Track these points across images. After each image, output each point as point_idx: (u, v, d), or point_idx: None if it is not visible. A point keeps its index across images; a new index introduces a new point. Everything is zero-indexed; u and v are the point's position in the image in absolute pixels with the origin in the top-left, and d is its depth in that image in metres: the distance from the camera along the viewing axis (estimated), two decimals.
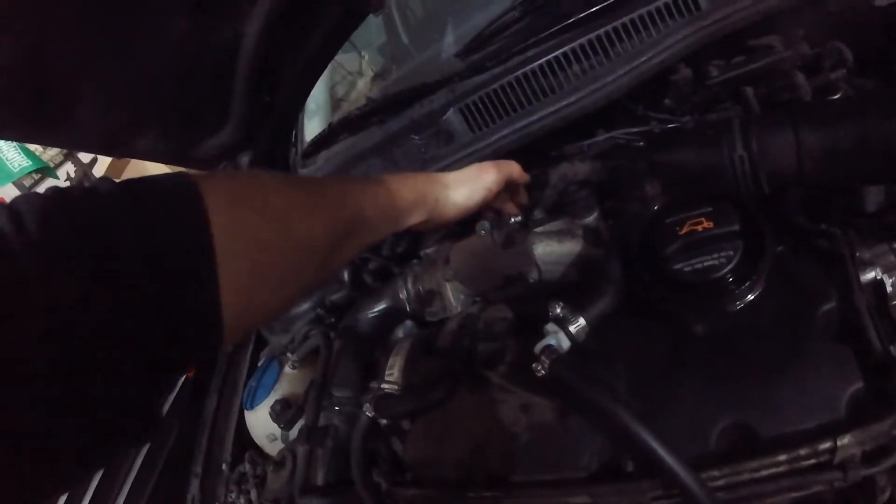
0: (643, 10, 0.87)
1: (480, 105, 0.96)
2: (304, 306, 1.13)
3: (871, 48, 0.85)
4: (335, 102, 1.49)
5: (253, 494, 1.03)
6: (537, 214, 0.91)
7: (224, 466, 1.10)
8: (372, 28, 1.45)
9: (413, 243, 1.08)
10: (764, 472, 0.62)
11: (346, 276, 1.11)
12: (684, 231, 0.71)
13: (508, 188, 0.92)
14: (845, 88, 0.82)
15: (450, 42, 1.20)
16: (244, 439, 1.12)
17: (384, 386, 0.86)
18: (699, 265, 0.70)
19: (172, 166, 0.98)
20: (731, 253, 0.69)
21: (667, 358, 0.73)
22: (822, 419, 0.63)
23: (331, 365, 0.98)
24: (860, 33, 0.86)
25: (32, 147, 2.99)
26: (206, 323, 0.47)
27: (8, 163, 2.98)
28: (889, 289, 0.68)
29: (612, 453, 0.70)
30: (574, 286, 0.85)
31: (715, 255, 0.69)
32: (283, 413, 0.99)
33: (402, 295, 1.00)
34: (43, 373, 0.38)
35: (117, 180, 0.49)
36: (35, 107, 0.81)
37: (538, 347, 0.72)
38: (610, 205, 0.88)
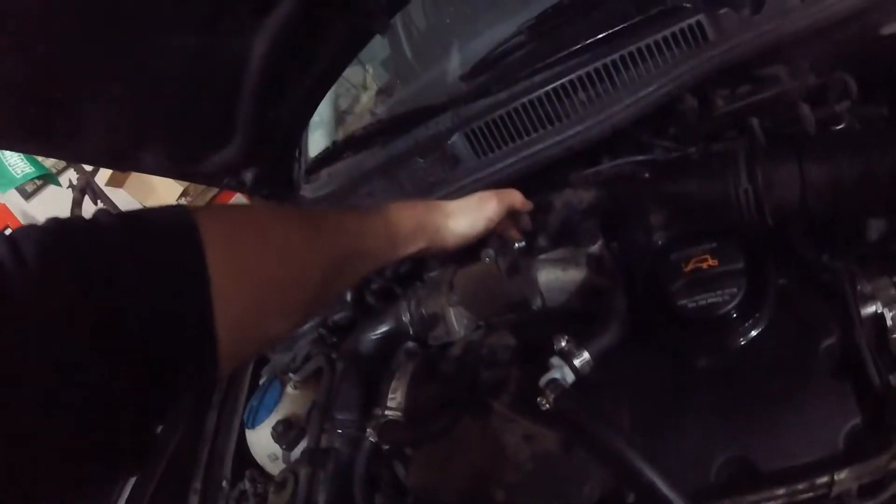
0: (650, 40, 0.87)
1: (486, 130, 0.96)
2: (306, 325, 1.13)
3: (878, 76, 0.86)
4: (339, 115, 1.49)
5: None
6: (541, 242, 0.91)
7: (224, 483, 1.10)
8: (376, 41, 1.45)
9: (416, 265, 1.08)
10: None
11: (348, 296, 1.12)
12: (689, 268, 0.72)
13: (511, 216, 0.92)
14: (849, 119, 0.83)
15: (454, 63, 1.20)
16: (244, 457, 1.12)
17: (388, 413, 0.86)
18: (703, 302, 0.70)
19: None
20: (735, 290, 0.70)
21: (670, 391, 0.74)
22: (821, 453, 0.64)
23: (333, 387, 0.99)
24: (867, 61, 0.86)
25: None
26: (201, 357, 0.48)
27: (10, 169, 2.98)
28: (889, 322, 0.69)
29: (614, 485, 0.70)
30: (578, 315, 0.86)
31: (719, 293, 0.70)
32: (286, 434, 0.99)
33: (405, 318, 1.00)
34: (38, 405, 0.38)
35: (116, 212, 0.49)
36: (43, 122, 0.81)
37: (543, 381, 0.72)
38: (614, 234, 0.88)
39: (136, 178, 3.16)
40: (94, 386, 0.41)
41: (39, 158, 3.02)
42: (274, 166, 1.19)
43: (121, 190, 3.29)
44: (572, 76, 0.90)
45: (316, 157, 1.26)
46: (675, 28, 0.86)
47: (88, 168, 2.98)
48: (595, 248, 0.87)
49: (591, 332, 0.75)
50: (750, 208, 0.78)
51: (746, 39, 0.86)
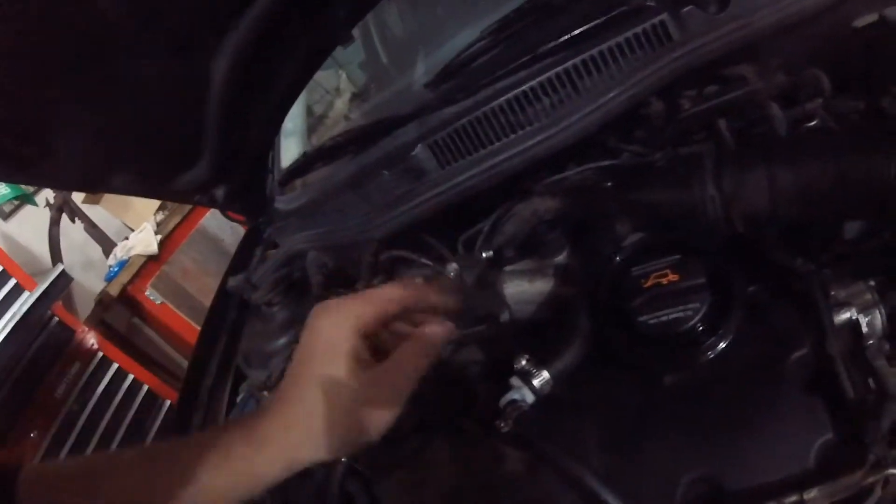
0: (612, 42, 0.84)
1: (450, 140, 0.93)
2: (281, 341, 1.12)
3: (853, 69, 0.82)
4: (313, 121, 1.47)
5: None
6: (508, 253, 0.89)
7: None
8: (351, 44, 1.43)
9: (386, 277, 1.06)
10: None
11: None
12: (649, 284, 0.69)
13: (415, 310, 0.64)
14: (822, 117, 0.80)
15: (421, 70, 1.17)
16: None
17: None
18: (665, 318, 0.69)
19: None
20: (698, 305, 0.68)
21: (635, 408, 0.72)
22: (791, 471, 0.62)
23: None
24: (840, 56, 0.83)
25: None
26: None
27: None
28: (865, 329, 0.66)
29: None
30: (546, 327, 0.84)
31: (681, 308, 0.68)
32: None
33: None
34: None
35: None
36: (11, 149, 0.81)
37: (503, 401, 0.71)
38: (580, 243, 0.86)
39: (109, 198, 3.18)
40: None
41: None
42: (244, 182, 1.18)
43: (98, 206, 3.31)
44: (534, 82, 0.87)
45: (288, 168, 1.25)
46: (638, 29, 0.83)
47: None
48: (561, 258, 0.85)
49: (552, 350, 0.73)
50: (718, 215, 0.76)
51: (712, 38, 0.82)
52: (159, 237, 3.16)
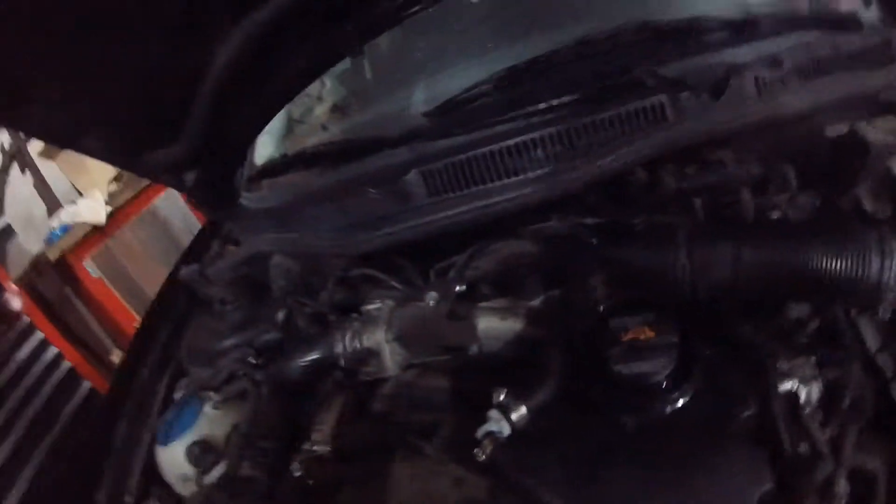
0: (613, 112, 0.91)
1: (444, 172, 0.96)
2: (230, 341, 1.09)
3: (818, 170, 0.93)
4: (289, 124, 1.46)
5: None
6: (484, 289, 0.93)
7: (129, 499, 1.04)
8: None
9: (352, 293, 1.07)
10: None
11: (279, 316, 1.09)
12: (627, 337, 0.75)
13: None
14: (785, 210, 0.89)
15: (417, 97, 1.20)
16: (152, 475, 1.06)
17: (315, 447, 0.84)
18: (637, 370, 0.74)
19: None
20: (667, 362, 0.74)
21: (598, 446, 0.77)
22: None
23: (258, 412, 0.96)
24: (810, 156, 0.93)
25: None
26: None
27: None
28: (802, 398, 0.75)
29: None
30: (510, 363, 0.88)
31: (652, 363, 0.74)
32: (203, 457, 0.95)
33: (338, 348, 0.98)
34: None
35: None
36: None
37: (480, 432, 0.74)
38: (554, 291, 0.91)
39: (70, 153, 2.94)
40: None
41: None
42: (216, 172, 1.15)
43: (52, 163, 3.05)
44: (535, 134, 0.92)
45: (261, 166, 1.23)
46: (639, 105, 0.91)
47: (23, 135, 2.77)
48: (536, 302, 0.90)
49: (528, 386, 0.77)
50: (685, 282, 0.83)
51: (703, 124, 0.91)
52: (109, 209, 2.95)
